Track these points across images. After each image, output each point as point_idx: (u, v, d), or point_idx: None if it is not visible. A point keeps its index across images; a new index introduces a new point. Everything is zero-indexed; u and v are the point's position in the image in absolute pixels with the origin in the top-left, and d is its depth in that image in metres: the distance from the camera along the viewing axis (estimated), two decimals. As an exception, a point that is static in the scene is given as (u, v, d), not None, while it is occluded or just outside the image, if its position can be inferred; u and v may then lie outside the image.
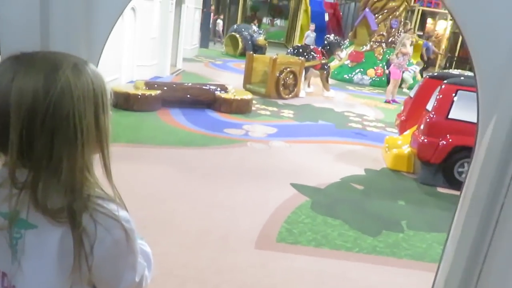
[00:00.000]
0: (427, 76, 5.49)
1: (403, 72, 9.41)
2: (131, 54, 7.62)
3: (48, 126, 0.74)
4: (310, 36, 13.81)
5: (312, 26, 14.21)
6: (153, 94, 6.04)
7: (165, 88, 6.40)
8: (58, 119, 0.74)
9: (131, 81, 7.20)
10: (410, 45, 9.12)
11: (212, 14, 17.64)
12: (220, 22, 18.92)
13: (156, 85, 6.42)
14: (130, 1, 1.27)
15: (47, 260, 0.78)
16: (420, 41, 12.97)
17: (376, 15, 12.08)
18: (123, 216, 0.81)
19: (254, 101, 7.04)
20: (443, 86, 4.48)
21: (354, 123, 6.93)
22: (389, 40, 12.13)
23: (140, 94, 5.94)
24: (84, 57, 1.20)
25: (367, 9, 12.00)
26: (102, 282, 0.84)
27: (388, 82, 10.77)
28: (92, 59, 1.26)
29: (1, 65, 0.77)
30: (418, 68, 11.46)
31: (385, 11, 12.16)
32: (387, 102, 9.11)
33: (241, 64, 10.81)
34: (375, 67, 11.84)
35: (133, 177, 3.65)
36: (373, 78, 11.77)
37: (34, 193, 0.76)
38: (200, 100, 6.51)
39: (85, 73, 0.79)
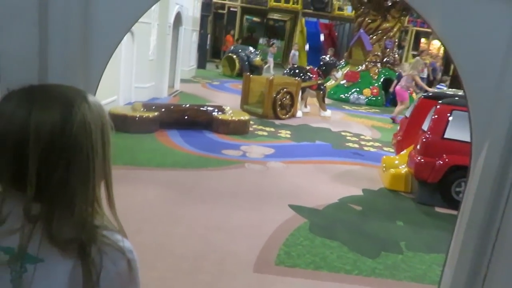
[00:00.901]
0: (422, 96, 5.54)
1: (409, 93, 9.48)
2: (129, 76, 7.69)
3: (64, 160, 0.75)
4: (295, 55, 14.24)
5: (296, 46, 14.70)
6: (150, 116, 6.07)
7: (163, 109, 6.43)
8: (74, 153, 0.76)
9: (129, 103, 7.23)
10: (421, 71, 9.27)
11: (209, 36, 17.80)
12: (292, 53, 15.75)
13: (153, 107, 6.46)
14: (127, 32, 1.30)
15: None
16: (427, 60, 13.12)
17: (371, 35, 12.26)
18: (127, 247, 0.82)
19: (251, 122, 7.07)
20: (438, 106, 4.53)
21: (351, 142, 6.96)
22: (384, 60, 12.29)
23: (137, 116, 5.96)
24: (82, 86, 1.23)
25: (361, 30, 12.19)
26: None
27: (390, 102, 10.90)
28: (89, 88, 1.28)
29: (14, 97, 0.77)
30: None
31: (379, 31, 12.36)
32: (392, 119, 9.20)
33: (238, 85, 10.90)
34: (370, 87, 11.95)
35: (130, 199, 3.64)
36: (369, 97, 11.86)
37: (49, 226, 0.76)
38: (198, 121, 6.54)
39: (93, 106, 0.81)
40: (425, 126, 4.62)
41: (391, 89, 10.32)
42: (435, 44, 18.20)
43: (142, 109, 6.17)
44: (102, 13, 1.24)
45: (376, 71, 12.14)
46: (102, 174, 0.83)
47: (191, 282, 2.63)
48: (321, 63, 9.32)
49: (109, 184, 0.85)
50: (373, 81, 12.03)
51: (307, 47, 14.15)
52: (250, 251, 3.07)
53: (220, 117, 6.57)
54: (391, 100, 11.14)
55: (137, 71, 7.92)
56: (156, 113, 6.17)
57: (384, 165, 5.20)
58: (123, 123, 5.75)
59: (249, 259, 2.96)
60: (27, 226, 0.76)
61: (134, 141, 5.52)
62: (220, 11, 20.73)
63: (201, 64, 15.59)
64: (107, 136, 0.83)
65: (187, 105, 6.95)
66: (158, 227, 3.28)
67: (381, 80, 11.99)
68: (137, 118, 5.93)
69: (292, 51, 15.17)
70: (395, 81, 9.86)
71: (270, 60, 15.72)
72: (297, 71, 9.05)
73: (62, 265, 0.77)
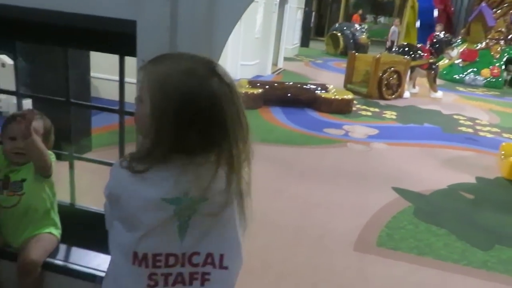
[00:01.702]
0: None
1: None
2: (236, 53, 7.94)
3: (226, 122, 0.92)
4: (395, 32, 13.30)
5: (397, 21, 13.74)
6: (255, 93, 6.23)
7: (267, 86, 6.55)
8: (234, 116, 0.94)
9: (235, 80, 7.49)
10: None
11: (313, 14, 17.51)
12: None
13: (258, 84, 6.61)
14: (252, 2, 1.34)
15: (225, 221, 0.98)
16: None
17: (494, 9, 11.01)
18: None
19: (354, 101, 6.89)
20: None
21: (464, 127, 6.43)
22: (509, 37, 10.98)
23: (243, 92, 6.17)
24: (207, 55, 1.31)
25: (483, 4, 11.00)
26: None
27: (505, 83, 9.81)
28: (213, 57, 1.36)
29: (182, 67, 0.93)
30: None
31: (505, 5, 11.03)
32: None
33: (341, 64, 10.63)
34: (490, 67, 10.82)
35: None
36: (488, 79, 10.76)
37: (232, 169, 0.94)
38: (300, 99, 6.55)
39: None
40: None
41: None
42: None
43: (247, 86, 6.36)
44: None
45: (499, 49, 10.92)
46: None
47: (291, 254, 2.70)
48: (434, 40, 8.64)
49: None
50: (494, 60, 10.86)
51: (417, 23, 13.16)
52: (351, 230, 3.04)
53: (323, 96, 6.51)
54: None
55: (243, 49, 8.14)
56: (260, 90, 6.31)
57: (503, 152, 4.72)
58: (229, 98, 5.99)
59: (349, 237, 2.95)
60: (193, 173, 0.91)
61: (239, 116, 5.74)
62: (326, -13, 20.22)
63: (305, 42, 15.46)
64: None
65: (290, 83, 6.98)
66: (261, 198, 3.38)
67: (504, 59, 10.77)
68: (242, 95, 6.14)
69: (392, 28, 14.20)
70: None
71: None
72: (406, 49, 8.53)
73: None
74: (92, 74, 3.89)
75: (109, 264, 1.06)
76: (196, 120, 0.90)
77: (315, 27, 19.22)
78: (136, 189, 0.92)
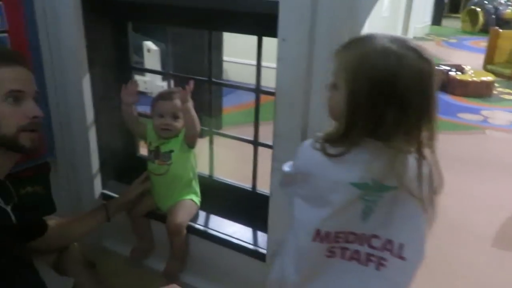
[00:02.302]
0: None
1: None
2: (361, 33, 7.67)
3: (423, 104, 0.89)
4: None
5: None
6: (381, 74, 5.98)
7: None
8: (432, 98, 0.91)
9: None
10: None
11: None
12: None
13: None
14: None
15: (411, 211, 0.97)
16: None
17: None
18: None
19: (496, 84, 6.17)
20: None
21: None
22: None
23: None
24: (347, 37, 1.30)
25: None
26: None
27: None
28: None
29: (379, 47, 0.90)
30: None
31: None
32: None
33: (480, 42, 9.58)
34: None
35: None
36: None
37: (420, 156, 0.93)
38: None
39: None
40: None
41: None
42: None
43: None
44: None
45: None
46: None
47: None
48: None
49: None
50: None
51: None
52: (489, 224, 2.78)
53: (458, 78, 5.95)
54: None
55: (368, 29, 7.79)
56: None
57: None
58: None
59: (487, 232, 2.69)
60: (381, 160, 0.91)
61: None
62: (465, -42, 18.22)
63: (436, 20, 14.22)
64: None
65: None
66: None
67: None
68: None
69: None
70: None
71: None
72: None
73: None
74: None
75: (288, 236, 1.10)
76: (393, 102, 0.87)
77: (449, 3, 17.54)
78: (327, 171, 0.95)
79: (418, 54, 0.89)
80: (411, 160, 0.92)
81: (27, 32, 1.77)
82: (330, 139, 0.95)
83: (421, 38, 11.21)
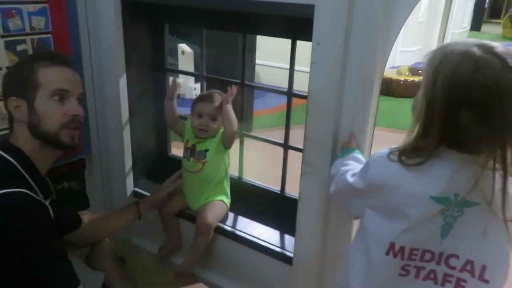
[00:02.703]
0: None
1: None
2: (396, 39, 7.53)
3: (499, 114, 0.83)
4: None
5: None
6: (416, 80, 5.86)
7: (429, 74, 6.10)
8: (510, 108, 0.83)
9: (393, 67, 7.15)
10: None
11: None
12: None
13: (420, 71, 6.19)
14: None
15: (495, 231, 0.90)
16: None
17: None
18: None
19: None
20: None
21: None
22: None
23: (402, 79, 5.87)
24: (382, 43, 1.28)
25: None
26: None
27: None
28: (387, 44, 1.32)
29: (459, 53, 0.87)
30: None
31: None
32: None
33: (523, 49, 9.20)
34: None
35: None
36: None
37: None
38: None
39: None
40: None
41: None
42: None
43: (407, 73, 6.03)
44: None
45: None
46: None
47: None
48: None
49: None
50: None
51: None
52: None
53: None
54: None
55: (404, 34, 7.67)
56: (421, 78, 5.91)
57: None
58: (387, 86, 5.76)
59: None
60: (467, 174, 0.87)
61: (397, 105, 5.47)
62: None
63: (476, 26, 13.82)
64: None
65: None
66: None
67: None
68: (401, 82, 5.83)
69: None
70: None
71: None
72: None
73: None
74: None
75: (354, 250, 1.07)
76: (469, 109, 0.83)
77: (490, 8, 16.99)
78: (404, 183, 0.92)
79: (503, 62, 0.83)
80: (497, 176, 0.86)
81: (70, 33, 1.84)
82: (407, 150, 0.93)
83: (459, 44, 10.89)
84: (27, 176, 1.20)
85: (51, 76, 1.25)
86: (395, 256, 0.94)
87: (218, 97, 1.77)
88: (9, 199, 1.08)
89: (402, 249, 0.93)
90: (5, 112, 1.32)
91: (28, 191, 1.13)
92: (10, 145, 1.24)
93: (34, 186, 1.20)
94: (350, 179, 1.08)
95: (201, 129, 1.78)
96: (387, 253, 0.94)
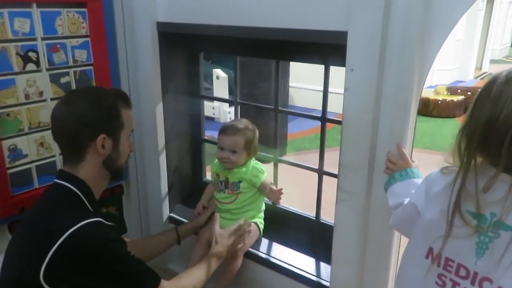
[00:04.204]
0: None
1: None
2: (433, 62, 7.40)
3: None
4: None
5: None
6: (455, 100, 5.70)
7: (469, 93, 5.91)
8: None
9: (430, 86, 6.99)
10: None
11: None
12: None
13: (459, 90, 6.03)
14: (468, 9, 1.23)
15: None
16: None
17: None
18: None
19: None
20: None
21: None
22: None
23: (440, 99, 5.72)
24: (418, 66, 1.26)
25: None
26: None
27: None
28: (424, 69, 1.30)
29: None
30: None
31: None
32: None
33: None
34: None
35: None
36: None
37: None
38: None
39: None
40: None
41: None
42: None
43: (445, 92, 5.88)
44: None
45: None
46: None
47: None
48: None
49: None
50: None
51: None
52: None
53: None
54: None
55: (441, 53, 7.51)
56: (461, 97, 5.75)
57: None
58: (425, 106, 5.63)
59: None
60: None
61: (435, 125, 5.32)
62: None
63: (517, 42, 13.36)
64: None
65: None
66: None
67: None
68: (439, 102, 5.68)
69: None
70: None
71: None
72: None
73: None
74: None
75: (405, 252, 1.12)
76: (502, 134, 0.83)
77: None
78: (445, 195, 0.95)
79: None
80: None
81: (110, 64, 1.91)
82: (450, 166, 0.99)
83: (500, 61, 10.58)
84: (87, 204, 1.29)
85: (129, 117, 1.38)
86: (432, 261, 0.98)
87: (241, 129, 1.78)
88: (94, 227, 1.18)
89: (438, 255, 0.97)
90: (50, 141, 1.38)
91: (100, 219, 1.23)
92: (74, 177, 1.30)
93: (93, 213, 1.29)
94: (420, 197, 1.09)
95: (223, 161, 1.80)
96: (427, 256, 0.99)
